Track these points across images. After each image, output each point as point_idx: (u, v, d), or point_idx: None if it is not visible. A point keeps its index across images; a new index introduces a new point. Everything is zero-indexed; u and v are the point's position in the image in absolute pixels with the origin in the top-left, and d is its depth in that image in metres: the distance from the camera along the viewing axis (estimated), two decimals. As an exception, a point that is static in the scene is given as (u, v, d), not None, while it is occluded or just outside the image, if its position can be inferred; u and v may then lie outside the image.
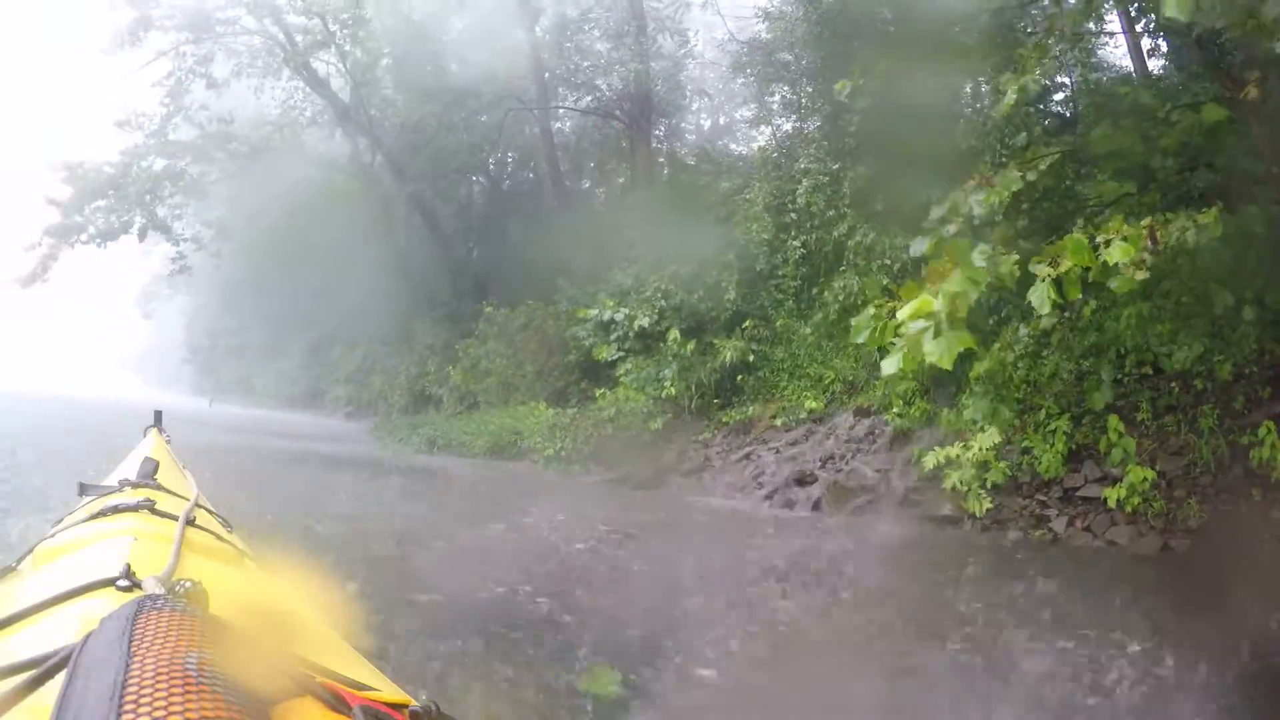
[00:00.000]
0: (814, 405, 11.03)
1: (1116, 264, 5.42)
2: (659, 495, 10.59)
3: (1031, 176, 6.48)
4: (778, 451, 10.41)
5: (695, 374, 12.82)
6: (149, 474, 2.11)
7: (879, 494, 8.62)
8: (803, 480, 9.35)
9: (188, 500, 1.88)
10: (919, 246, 6.44)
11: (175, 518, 1.57)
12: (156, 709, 0.53)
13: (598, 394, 13.75)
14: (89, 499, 1.95)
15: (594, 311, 14.68)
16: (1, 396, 19.55)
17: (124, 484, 2.01)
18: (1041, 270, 5.39)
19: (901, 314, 5.35)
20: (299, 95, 19.58)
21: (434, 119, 19.25)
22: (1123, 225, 5.07)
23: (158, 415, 3.09)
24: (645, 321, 13.77)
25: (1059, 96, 11.48)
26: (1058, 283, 5.26)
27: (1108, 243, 4.98)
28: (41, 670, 0.70)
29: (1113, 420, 6.93)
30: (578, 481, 11.85)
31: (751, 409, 11.95)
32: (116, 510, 1.67)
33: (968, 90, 10.44)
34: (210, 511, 2.02)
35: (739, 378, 12.36)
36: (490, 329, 17.70)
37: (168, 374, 27.93)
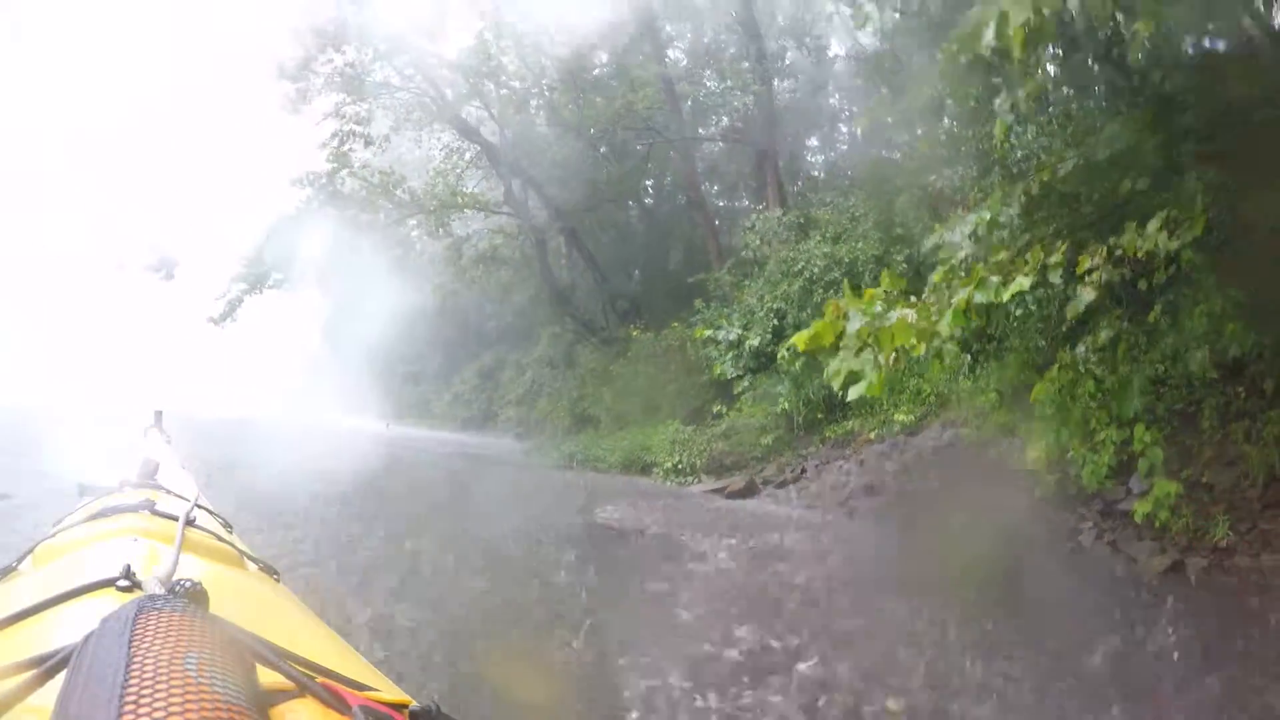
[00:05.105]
0: (906, 418, 10.98)
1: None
2: (745, 503, 10.98)
3: (1035, 190, 6.41)
4: (863, 464, 10.52)
5: (805, 390, 13.07)
6: (149, 474, 2.19)
7: (939, 504, 8.62)
8: (872, 490, 9.48)
9: (188, 500, 1.85)
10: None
11: (175, 518, 1.55)
12: (156, 710, 0.53)
13: (715, 410, 14.33)
14: (89, 499, 1.94)
15: (718, 331, 15.22)
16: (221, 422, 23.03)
17: (124, 484, 2.06)
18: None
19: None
20: (453, 143, 21.54)
21: (581, 154, 20.63)
22: (1038, 254, 4.91)
23: (158, 415, 3.14)
24: (756, 341, 14.19)
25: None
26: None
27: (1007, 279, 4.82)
28: (42, 670, 0.70)
29: (1139, 429, 6.60)
30: (684, 491, 12.48)
31: (853, 423, 12.04)
32: (117, 510, 1.67)
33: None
34: (211, 512, 2.01)
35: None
36: (640, 351, 18.72)
37: (350, 399, 30.76)
